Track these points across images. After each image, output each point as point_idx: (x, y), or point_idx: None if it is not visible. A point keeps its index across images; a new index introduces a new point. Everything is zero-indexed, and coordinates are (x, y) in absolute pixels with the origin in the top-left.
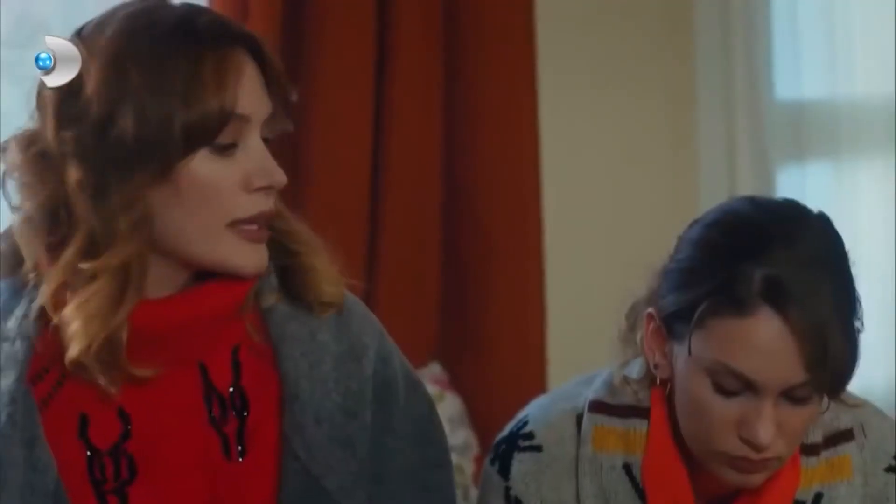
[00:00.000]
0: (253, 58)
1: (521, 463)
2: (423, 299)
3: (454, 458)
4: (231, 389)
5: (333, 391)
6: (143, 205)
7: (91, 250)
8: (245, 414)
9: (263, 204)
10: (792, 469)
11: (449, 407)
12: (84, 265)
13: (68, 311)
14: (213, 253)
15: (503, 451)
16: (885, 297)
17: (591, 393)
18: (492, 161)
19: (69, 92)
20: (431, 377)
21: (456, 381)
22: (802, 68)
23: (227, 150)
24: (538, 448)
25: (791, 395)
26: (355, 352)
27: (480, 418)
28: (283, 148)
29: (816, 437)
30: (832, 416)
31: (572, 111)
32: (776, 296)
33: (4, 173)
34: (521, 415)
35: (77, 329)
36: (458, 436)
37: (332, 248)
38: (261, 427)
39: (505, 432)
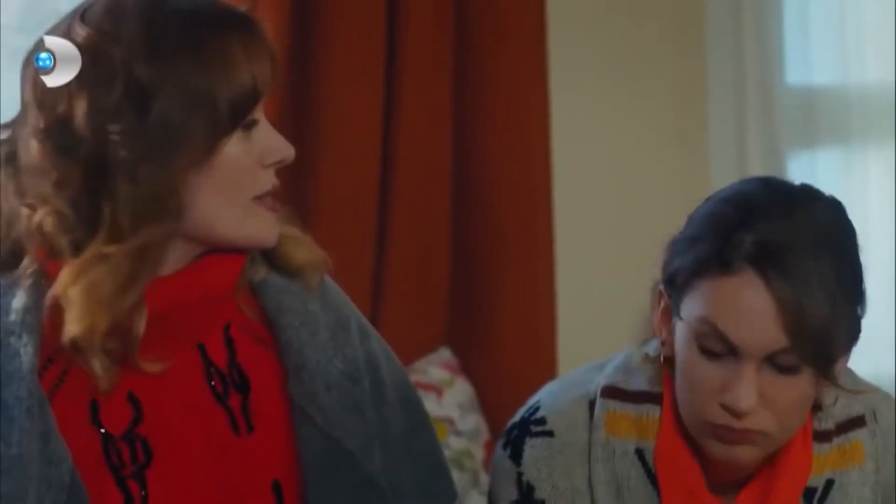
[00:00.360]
0: (256, 38)
1: (533, 448)
2: (432, 289)
3: (464, 443)
4: (228, 366)
5: (334, 357)
6: (178, 193)
7: (115, 237)
8: (246, 389)
9: (274, 178)
10: (803, 455)
11: (460, 392)
12: (108, 249)
13: (74, 290)
14: (242, 229)
15: (515, 437)
16: (893, 283)
17: (604, 378)
18: (502, 156)
19: (102, 82)
20: (442, 362)
21: (466, 368)
22: (813, 54)
23: (250, 127)
24: (550, 433)
25: (775, 363)
26: (342, 322)
27: (490, 404)
28: (293, 143)
29: (829, 424)
30: (844, 403)
31: (583, 101)
32: (762, 259)
33: (23, 169)
34: (532, 401)
35: (82, 308)
36: (469, 421)
37: (343, 240)
38: (264, 401)
39: (516, 418)
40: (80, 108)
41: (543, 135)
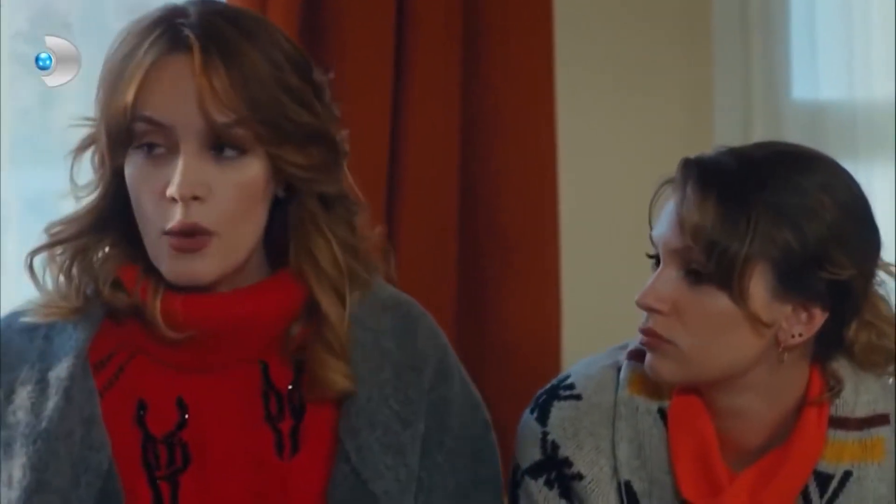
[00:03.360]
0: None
1: (560, 410)
2: (439, 301)
3: None
4: (290, 388)
5: (391, 398)
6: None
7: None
8: (302, 415)
9: (183, 214)
10: (816, 436)
11: None
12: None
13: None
14: (156, 260)
15: (543, 401)
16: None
17: (631, 345)
18: (509, 162)
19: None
20: None
21: (473, 377)
22: (820, 70)
23: (150, 152)
24: (578, 397)
25: (686, 265)
26: (416, 362)
27: (497, 418)
28: None
29: (846, 411)
30: (870, 399)
31: (590, 111)
32: (682, 167)
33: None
34: (562, 374)
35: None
36: None
37: None
38: (315, 429)
39: (546, 386)
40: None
41: (550, 140)
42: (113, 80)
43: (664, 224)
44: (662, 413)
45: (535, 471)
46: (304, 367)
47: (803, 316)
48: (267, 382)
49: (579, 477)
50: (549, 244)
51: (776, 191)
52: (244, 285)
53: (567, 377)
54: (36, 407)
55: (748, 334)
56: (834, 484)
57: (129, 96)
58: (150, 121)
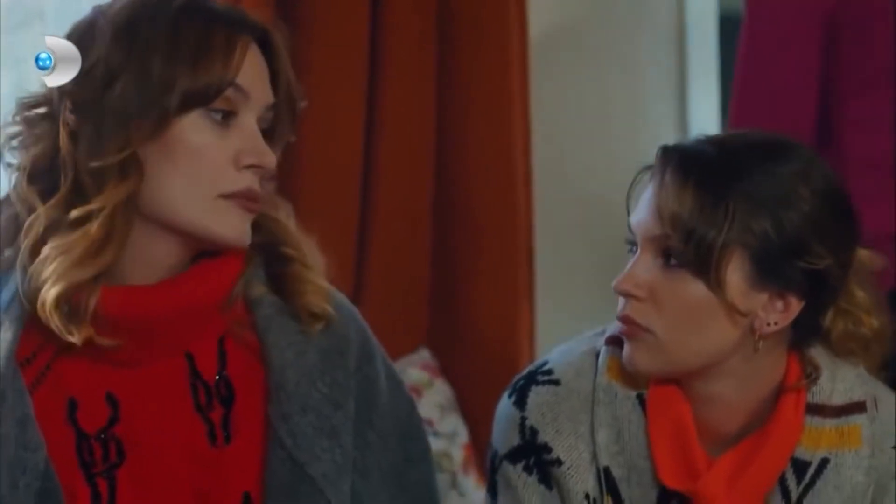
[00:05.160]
0: (263, 54)
1: (538, 395)
2: (413, 290)
3: (443, 444)
4: (217, 378)
5: (319, 381)
6: (135, 155)
7: (77, 199)
8: (231, 402)
9: (251, 181)
10: (794, 423)
11: (438, 393)
12: (73, 212)
13: (47, 249)
14: (203, 221)
15: (521, 386)
16: None
17: (609, 331)
18: (483, 154)
19: (80, 51)
20: (421, 363)
21: (445, 369)
22: None
23: (222, 119)
24: (556, 382)
25: (663, 252)
26: (340, 346)
27: (469, 406)
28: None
29: (823, 397)
30: (847, 387)
31: (564, 107)
32: (660, 154)
33: (10, 138)
34: (540, 360)
35: (56, 269)
36: (448, 423)
37: (323, 239)
38: (246, 415)
39: (524, 372)
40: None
41: (524, 133)
42: (199, 49)
43: (642, 211)
44: (641, 399)
45: (514, 456)
46: (227, 356)
47: (779, 304)
48: (194, 373)
49: (558, 462)
50: (522, 238)
51: (754, 180)
52: (159, 278)
53: (545, 363)
54: None
55: (724, 322)
56: (811, 471)
57: (232, 67)
58: (239, 88)
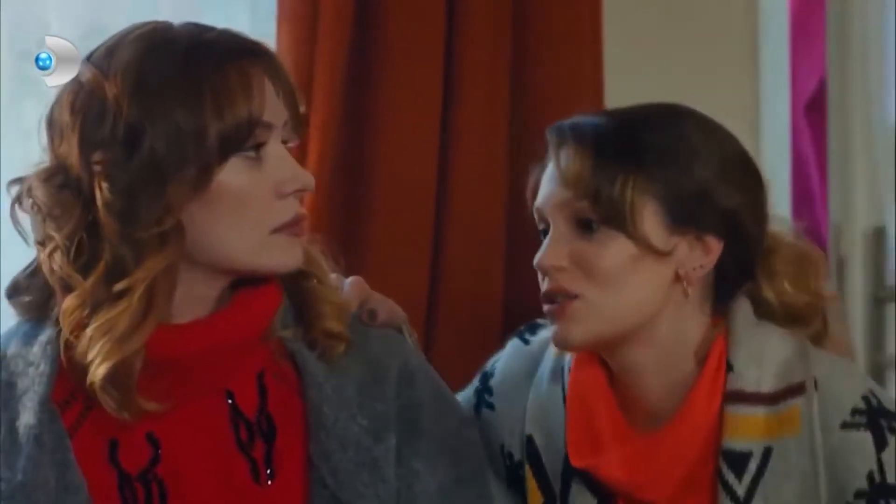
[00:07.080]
0: (263, 69)
1: (510, 346)
2: (487, 308)
3: None
4: (258, 414)
5: (358, 415)
6: (174, 220)
7: (117, 272)
8: (272, 438)
9: (295, 206)
10: (707, 410)
11: None
12: (115, 286)
13: (90, 330)
14: (258, 259)
15: (526, 327)
16: None
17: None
18: None
19: (93, 117)
20: None
21: None
22: None
23: (255, 157)
24: (527, 342)
25: (576, 221)
26: (377, 374)
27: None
28: (350, 159)
29: (743, 384)
30: (786, 370)
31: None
32: (554, 133)
33: (31, 209)
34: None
35: (102, 349)
36: None
37: (398, 258)
38: (288, 451)
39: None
40: (74, 143)
41: None
42: (219, 92)
43: (546, 187)
44: (563, 370)
45: (481, 376)
46: (267, 391)
47: (699, 246)
48: (235, 410)
49: (491, 407)
50: None
51: (655, 133)
52: (205, 314)
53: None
54: (9, 459)
55: (651, 271)
56: (756, 462)
57: (254, 103)
58: (266, 125)
